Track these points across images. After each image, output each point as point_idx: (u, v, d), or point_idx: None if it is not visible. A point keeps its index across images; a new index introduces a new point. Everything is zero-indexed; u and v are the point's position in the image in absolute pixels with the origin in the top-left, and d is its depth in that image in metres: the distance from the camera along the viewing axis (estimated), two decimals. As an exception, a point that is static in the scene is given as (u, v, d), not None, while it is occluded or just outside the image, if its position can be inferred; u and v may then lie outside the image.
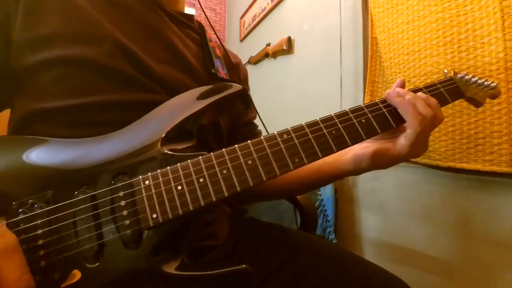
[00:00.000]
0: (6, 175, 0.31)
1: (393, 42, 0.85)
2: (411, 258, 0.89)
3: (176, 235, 0.32)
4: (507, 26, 0.62)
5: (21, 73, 0.35)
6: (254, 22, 2.10)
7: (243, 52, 2.31)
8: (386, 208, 0.99)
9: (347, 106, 1.14)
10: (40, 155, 0.32)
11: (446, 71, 0.46)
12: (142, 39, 0.41)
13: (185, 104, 0.37)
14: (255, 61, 2.03)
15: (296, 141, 0.33)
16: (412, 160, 0.86)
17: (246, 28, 2.27)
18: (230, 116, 0.50)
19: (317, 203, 1.09)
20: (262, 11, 1.97)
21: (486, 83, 0.45)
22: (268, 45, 1.83)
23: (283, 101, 1.70)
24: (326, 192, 1.10)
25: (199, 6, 0.60)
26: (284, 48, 1.61)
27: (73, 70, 0.35)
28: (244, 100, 0.41)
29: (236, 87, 0.39)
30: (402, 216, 0.93)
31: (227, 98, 0.38)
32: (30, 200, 0.30)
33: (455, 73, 0.45)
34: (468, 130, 0.70)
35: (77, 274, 0.28)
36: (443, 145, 0.75)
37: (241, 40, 2.38)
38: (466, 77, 0.44)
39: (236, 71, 0.56)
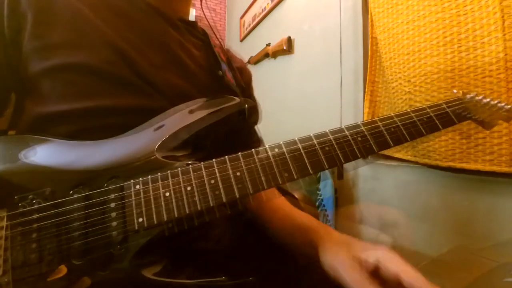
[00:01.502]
0: (8, 172, 0.33)
1: (393, 42, 0.85)
2: (411, 258, 0.89)
3: (162, 240, 0.32)
4: (507, 26, 0.62)
5: (29, 79, 0.38)
6: (254, 22, 2.10)
7: (243, 52, 2.31)
8: (386, 208, 0.99)
9: (347, 106, 1.15)
10: (41, 154, 0.34)
11: (455, 91, 0.43)
12: (142, 46, 0.42)
13: (182, 115, 0.38)
14: (255, 61, 2.03)
15: (287, 155, 0.33)
16: (412, 160, 0.87)
17: (246, 28, 2.27)
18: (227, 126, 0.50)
19: (317, 203, 1.09)
20: (262, 11, 1.97)
21: (499, 104, 0.41)
22: (268, 45, 1.83)
23: (283, 101, 1.70)
24: (326, 192, 1.10)
25: (199, 6, 0.59)
26: (284, 48, 1.61)
27: (77, 76, 0.37)
28: (243, 112, 0.41)
29: (237, 102, 0.40)
30: (402, 216, 0.93)
31: (225, 111, 0.39)
32: (30, 196, 0.31)
33: (464, 93, 0.42)
34: (468, 130, 0.70)
35: (63, 270, 0.30)
36: (443, 145, 0.75)
37: (241, 40, 2.38)
38: (477, 98, 0.41)
39: (240, 76, 0.56)
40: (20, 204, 0.31)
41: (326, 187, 1.10)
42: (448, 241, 0.79)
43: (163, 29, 0.46)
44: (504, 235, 0.67)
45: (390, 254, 0.36)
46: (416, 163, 0.86)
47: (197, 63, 0.48)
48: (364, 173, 1.08)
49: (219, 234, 0.48)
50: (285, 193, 0.57)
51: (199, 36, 0.51)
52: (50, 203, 0.31)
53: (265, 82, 1.94)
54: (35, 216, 0.30)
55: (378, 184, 1.02)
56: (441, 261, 0.81)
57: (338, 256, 0.36)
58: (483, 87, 0.66)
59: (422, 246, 0.87)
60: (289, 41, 1.61)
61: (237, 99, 0.41)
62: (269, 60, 1.87)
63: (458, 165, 0.73)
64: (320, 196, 1.10)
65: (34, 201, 0.31)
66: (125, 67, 0.39)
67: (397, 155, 0.93)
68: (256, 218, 0.51)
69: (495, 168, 0.66)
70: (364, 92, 1.03)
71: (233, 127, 0.48)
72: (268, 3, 1.88)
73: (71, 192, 0.32)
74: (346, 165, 1.14)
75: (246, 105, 0.42)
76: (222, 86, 0.49)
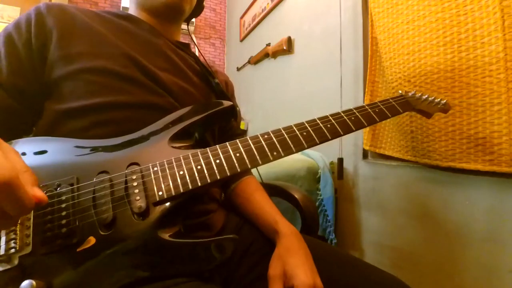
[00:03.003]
0: (35, 165, 0.36)
1: (393, 42, 0.85)
2: (411, 258, 0.90)
3: (177, 212, 0.38)
4: (507, 26, 0.62)
5: (53, 82, 0.43)
6: (254, 22, 2.10)
7: (243, 52, 2.31)
8: (386, 208, 0.99)
9: (347, 106, 1.15)
10: (66, 150, 0.39)
11: (400, 91, 0.57)
12: (148, 54, 0.50)
13: (187, 115, 0.45)
14: (255, 61, 2.03)
15: (274, 139, 0.41)
16: (412, 160, 0.87)
17: (246, 28, 2.27)
18: (220, 123, 0.59)
19: (317, 203, 1.09)
20: (262, 11, 1.97)
21: (436, 100, 0.56)
22: (268, 45, 1.83)
23: (283, 101, 1.70)
24: (326, 192, 1.10)
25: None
26: (284, 48, 1.61)
27: (97, 77, 0.44)
28: (232, 112, 0.49)
29: (228, 103, 0.48)
30: (402, 216, 0.93)
31: (219, 111, 0.47)
32: (56, 182, 0.36)
33: (407, 92, 0.56)
34: (468, 130, 0.70)
35: (92, 240, 0.33)
36: (443, 145, 0.75)
37: (241, 40, 2.38)
38: (417, 94, 0.56)
39: (226, 86, 0.66)
40: (45, 190, 0.35)
41: (326, 187, 1.10)
42: (448, 241, 0.79)
43: (165, 44, 0.55)
44: (503, 235, 0.67)
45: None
46: (416, 163, 0.86)
47: (195, 72, 0.57)
48: (364, 173, 1.08)
49: (220, 225, 0.53)
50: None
51: (191, 54, 0.61)
52: (76, 185, 0.36)
53: (265, 82, 1.94)
54: (63, 197, 0.35)
55: (378, 184, 1.02)
56: (441, 261, 0.81)
57: (276, 270, 0.43)
58: (483, 87, 0.66)
59: (421, 246, 0.87)
60: (289, 41, 1.61)
61: (230, 102, 0.48)
62: (269, 60, 1.87)
63: (458, 165, 0.73)
64: (320, 196, 1.10)
65: (58, 187, 0.35)
66: (137, 71, 0.47)
67: (397, 155, 0.93)
68: (235, 204, 0.60)
69: (495, 168, 0.66)
70: (364, 92, 1.03)
71: (225, 124, 0.61)
72: (268, 3, 1.88)
73: (95, 178, 0.36)
74: (346, 165, 1.14)
75: (238, 108, 0.53)
76: (217, 92, 0.58)
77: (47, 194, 0.34)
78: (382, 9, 0.91)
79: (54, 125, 0.43)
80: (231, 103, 0.48)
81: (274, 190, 0.70)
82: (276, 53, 1.75)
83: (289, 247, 0.45)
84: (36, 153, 0.38)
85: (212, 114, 0.46)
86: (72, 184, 0.36)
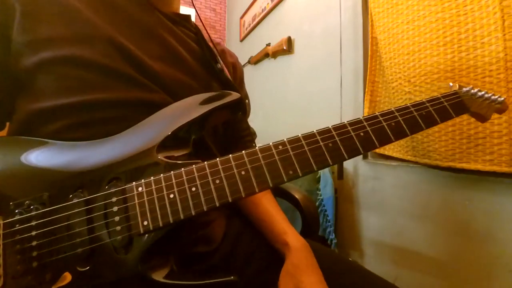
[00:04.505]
0: (4, 176, 0.31)
1: (393, 42, 0.85)
2: (411, 258, 0.89)
3: (167, 242, 0.32)
4: (507, 26, 0.62)
5: (21, 75, 0.36)
6: (254, 22, 2.10)
7: (243, 52, 2.31)
8: (386, 208, 0.99)
9: (347, 106, 1.15)
10: (38, 157, 0.33)
11: (451, 84, 0.44)
12: (137, 37, 0.41)
13: (181, 112, 0.37)
14: (255, 61, 2.03)
15: (291, 152, 0.32)
16: (412, 160, 0.87)
17: (246, 28, 2.27)
18: (224, 119, 0.50)
19: (317, 203, 1.09)
20: (262, 11, 1.97)
21: (493, 97, 0.43)
22: (268, 45, 1.83)
23: (283, 101, 1.70)
24: (326, 192, 1.10)
25: (199, 6, 0.60)
26: (284, 48, 1.61)
27: (71, 69, 0.36)
28: (240, 107, 0.41)
29: (234, 95, 0.39)
30: (402, 216, 0.93)
31: (224, 106, 0.38)
32: (27, 201, 0.30)
33: (460, 87, 0.42)
34: (468, 130, 0.70)
35: (67, 277, 0.29)
36: (443, 145, 0.75)
37: (241, 40, 2.38)
38: (472, 91, 0.42)
39: (232, 71, 0.56)
40: (16, 211, 0.29)
41: (326, 187, 1.10)
42: (448, 241, 0.79)
43: (159, 22, 0.44)
44: (504, 235, 0.67)
45: None
46: (416, 163, 0.86)
47: (195, 57, 0.47)
48: (364, 173, 1.08)
49: (221, 235, 0.49)
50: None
51: (192, 30, 0.50)
52: (48, 209, 0.30)
53: (265, 82, 1.94)
54: (33, 223, 0.29)
55: (378, 184, 1.02)
56: (441, 261, 0.81)
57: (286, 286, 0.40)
58: (483, 87, 0.66)
59: (422, 246, 0.87)
60: (289, 41, 1.60)
61: (237, 94, 0.39)
62: (269, 60, 1.87)
63: (458, 165, 0.73)
64: (320, 196, 1.10)
65: (31, 207, 0.30)
66: (122, 60, 0.38)
67: (397, 155, 0.93)
68: (239, 205, 0.54)
69: (495, 168, 0.66)
70: (364, 92, 1.03)
71: (229, 120, 0.50)
72: (268, 3, 1.88)
73: (71, 196, 0.31)
74: (346, 165, 1.14)
75: (246, 101, 0.43)
76: (221, 80, 0.48)
77: (17, 216, 0.29)
78: (382, 9, 0.90)
79: (28, 127, 0.36)
80: (239, 95, 0.39)
81: (274, 190, 0.70)
82: (276, 53, 1.75)
83: (300, 263, 0.42)
84: (5, 158, 0.32)
85: (213, 110, 0.37)
86: (43, 204, 0.30)
